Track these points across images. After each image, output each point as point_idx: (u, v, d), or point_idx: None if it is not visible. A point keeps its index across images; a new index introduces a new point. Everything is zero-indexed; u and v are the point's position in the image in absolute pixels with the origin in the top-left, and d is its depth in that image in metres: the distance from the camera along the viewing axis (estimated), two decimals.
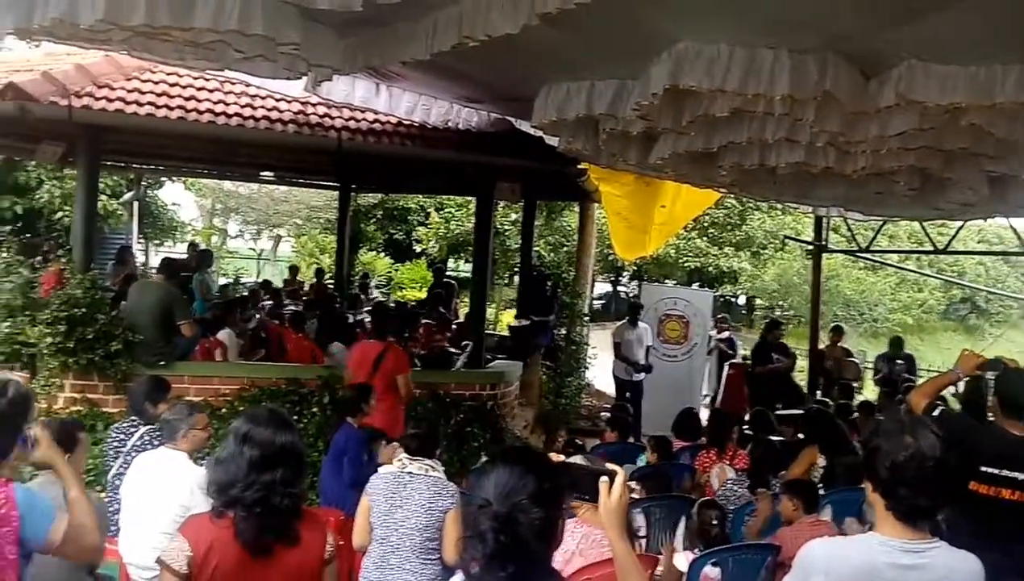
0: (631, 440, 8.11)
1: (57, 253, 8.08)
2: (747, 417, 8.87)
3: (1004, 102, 4.04)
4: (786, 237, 21.23)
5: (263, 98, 7.97)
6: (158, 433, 4.90)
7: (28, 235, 12.28)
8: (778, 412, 8.67)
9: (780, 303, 28.38)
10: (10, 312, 7.16)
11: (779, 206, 20.86)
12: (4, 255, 7.76)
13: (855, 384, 11.70)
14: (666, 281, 23.31)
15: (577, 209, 14.32)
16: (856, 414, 8.70)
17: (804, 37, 3.98)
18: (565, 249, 20.00)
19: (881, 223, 13.80)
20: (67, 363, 7.09)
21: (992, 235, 31.14)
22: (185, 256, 12.76)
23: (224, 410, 7.28)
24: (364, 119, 8.21)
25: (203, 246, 17.41)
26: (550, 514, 1.94)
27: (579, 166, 8.47)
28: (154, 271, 10.68)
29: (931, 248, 15.33)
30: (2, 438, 2.56)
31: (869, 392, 13.52)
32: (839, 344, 12.51)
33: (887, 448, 2.37)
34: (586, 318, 12.56)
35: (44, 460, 2.85)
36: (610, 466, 2.20)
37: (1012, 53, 3.92)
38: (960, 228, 14.64)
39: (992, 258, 31.05)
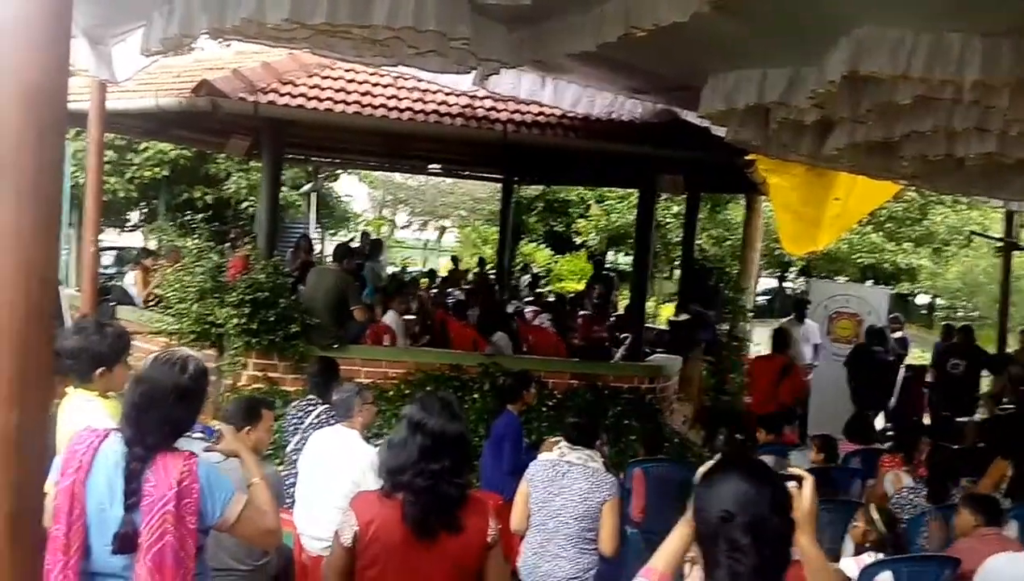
0: (794, 440, 7.87)
1: (243, 240, 8.64)
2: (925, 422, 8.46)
3: None
4: (972, 233, 19.90)
5: (433, 93, 8.19)
6: (332, 412, 5.18)
7: (217, 223, 13.15)
8: (960, 419, 8.17)
9: (964, 303, 26.57)
10: (201, 294, 7.68)
11: (965, 200, 19.57)
12: (196, 241, 8.35)
13: None
14: (837, 277, 22.31)
15: (743, 202, 13.95)
16: None
17: (997, 19, 3.70)
18: (729, 243, 19.51)
19: None
20: (250, 343, 7.55)
21: None
22: (358, 244, 13.34)
23: (391, 392, 7.58)
24: (529, 112, 8.31)
25: (374, 236, 18.13)
26: (788, 521, 1.91)
27: (746, 157, 8.23)
28: (329, 258, 11.24)
29: None
30: (188, 411, 2.70)
31: None
32: None
33: None
34: (750, 314, 12.23)
35: (228, 451, 3.04)
36: (796, 470, 2.13)
37: None
38: None
39: None
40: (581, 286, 17.86)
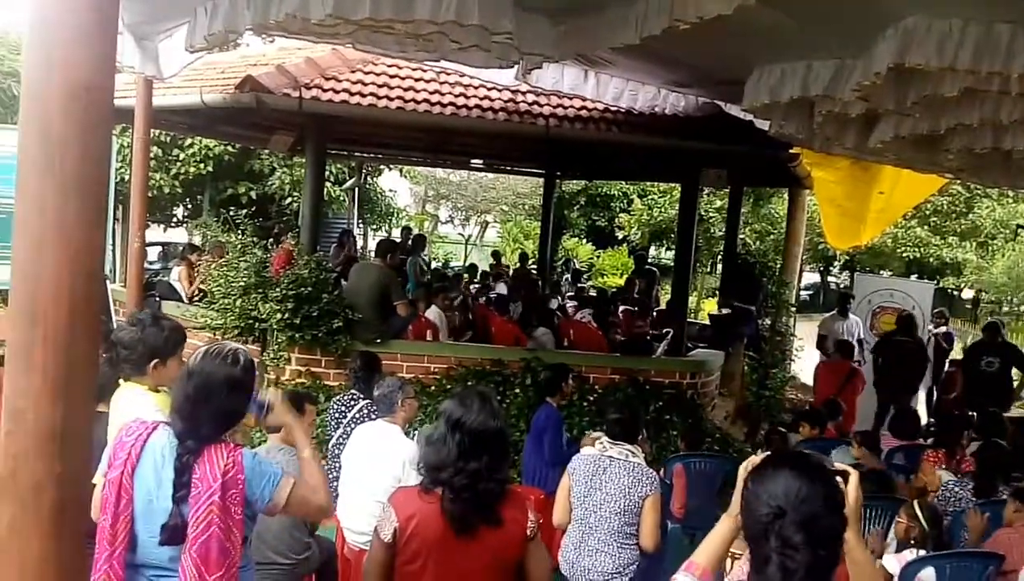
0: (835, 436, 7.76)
1: (287, 235, 8.72)
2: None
3: None
4: (1019, 226, 19.42)
5: (475, 88, 8.21)
6: (375, 407, 5.21)
7: (261, 219, 13.29)
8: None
9: (1010, 298, 25.95)
10: (245, 290, 7.75)
11: (1011, 193, 19.11)
12: (240, 237, 8.45)
13: None
14: (881, 272, 21.94)
15: (786, 196, 13.76)
16: None
17: None
18: (772, 237, 19.23)
19: None
20: (294, 338, 7.63)
21: None
22: (399, 240, 13.41)
23: (433, 387, 7.62)
24: (571, 106, 8.29)
25: (416, 231, 18.21)
26: (841, 518, 1.87)
27: (791, 151, 8.14)
28: (372, 254, 11.31)
29: None
30: (238, 403, 2.74)
31: None
32: None
33: None
34: (793, 309, 12.08)
35: (278, 423, 3.05)
36: (840, 466, 2.09)
37: None
38: None
39: None
40: (623, 281, 17.80)
